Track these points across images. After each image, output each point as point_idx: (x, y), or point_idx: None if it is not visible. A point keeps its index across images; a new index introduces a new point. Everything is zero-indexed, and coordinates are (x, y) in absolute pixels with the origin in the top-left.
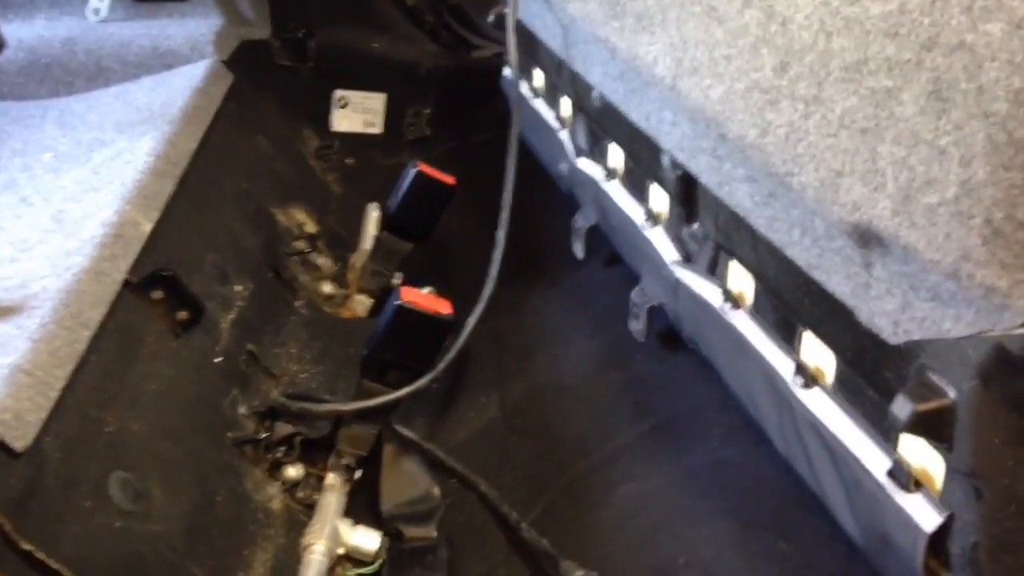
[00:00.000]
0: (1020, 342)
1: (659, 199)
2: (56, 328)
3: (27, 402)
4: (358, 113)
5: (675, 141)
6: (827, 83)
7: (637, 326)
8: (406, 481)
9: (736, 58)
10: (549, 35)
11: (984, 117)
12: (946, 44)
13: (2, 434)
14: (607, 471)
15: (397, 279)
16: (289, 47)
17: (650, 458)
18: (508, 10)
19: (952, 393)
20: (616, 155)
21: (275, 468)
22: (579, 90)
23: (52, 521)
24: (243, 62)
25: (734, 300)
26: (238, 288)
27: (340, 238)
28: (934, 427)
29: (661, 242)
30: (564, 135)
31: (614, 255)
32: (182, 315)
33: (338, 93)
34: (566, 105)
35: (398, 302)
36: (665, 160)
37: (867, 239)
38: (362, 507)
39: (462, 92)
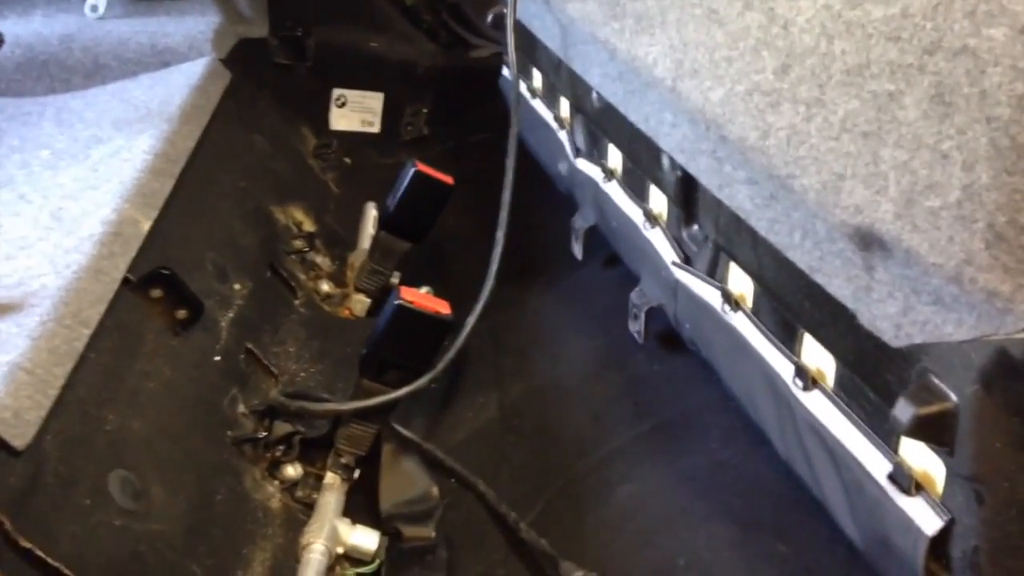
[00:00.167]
0: (1022, 347)
1: (658, 200)
2: (55, 326)
3: (27, 400)
4: (356, 112)
5: (675, 143)
6: (829, 86)
7: (636, 327)
8: (405, 481)
9: (737, 60)
10: (548, 35)
11: (987, 122)
12: (949, 48)
13: (2, 432)
14: (606, 472)
15: (395, 278)
16: (287, 45)
17: (649, 459)
18: (507, 10)
19: (954, 397)
20: (615, 156)
21: (274, 467)
22: (578, 91)
23: (52, 519)
24: (241, 60)
25: (734, 302)
26: (237, 287)
27: (338, 237)
28: (935, 431)
29: (661, 243)
30: (563, 135)
31: (613, 256)
32: (181, 313)
33: (336, 92)
34: (565, 105)
35: (398, 301)
36: (665, 161)
37: (869, 242)
38: (361, 507)
39: (460, 92)
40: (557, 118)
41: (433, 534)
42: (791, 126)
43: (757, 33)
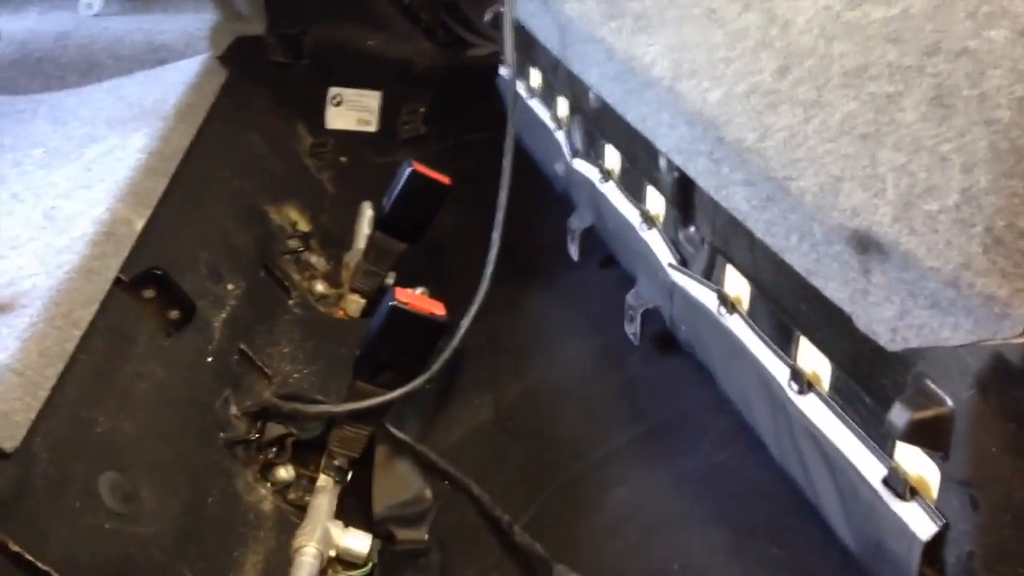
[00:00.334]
0: (1019, 352)
1: (656, 201)
2: (46, 327)
3: (16, 402)
4: (353, 111)
5: (672, 143)
6: (827, 87)
7: (632, 329)
8: (398, 483)
9: (736, 61)
10: (546, 34)
11: (986, 124)
12: (949, 50)
13: None
14: (601, 474)
15: (390, 279)
16: (284, 43)
17: (644, 462)
18: (505, 9)
19: (949, 402)
20: (613, 156)
21: (267, 469)
22: (576, 90)
23: (42, 522)
24: (237, 58)
25: (730, 304)
26: (230, 287)
27: (334, 237)
28: (931, 436)
29: (657, 245)
30: (560, 135)
31: (610, 257)
32: (174, 314)
33: (333, 90)
34: (563, 105)
35: (392, 303)
36: (662, 162)
37: (866, 245)
38: (354, 509)
39: (458, 91)
40: (555, 118)
41: (426, 537)
42: (789, 127)
43: (756, 34)
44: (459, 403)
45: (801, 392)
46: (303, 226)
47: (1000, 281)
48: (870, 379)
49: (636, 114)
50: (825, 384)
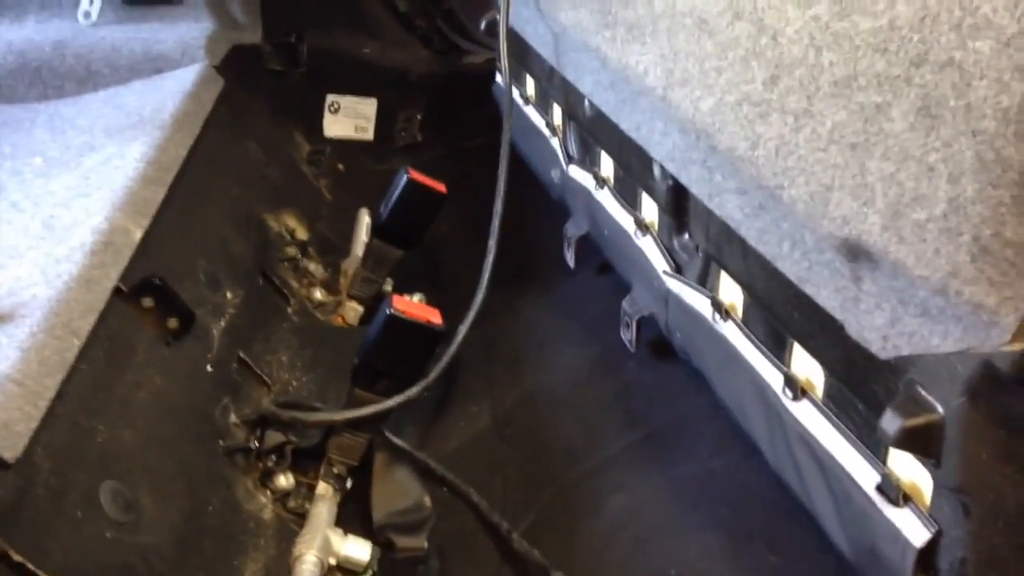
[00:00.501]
0: (1008, 359)
1: (650, 209)
2: (46, 337)
3: (17, 412)
4: (350, 118)
5: (666, 151)
6: (817, 97)
7: (628, 335)
8: (397, 491)
9: (726, 70)
10: (541, 43)
11: (972, 134)
12: (935, 61)
13: None
14: (598, 481)
15: (388, 285)
16: (281, 52)
17: (641, 468)
18: (500, 17)
19: (940, 409)
20: (607, 164)
21: (266, 477)
22: (570, 98)
23: (43, 532)
24: (234, 67)
25: (724, 311)
26: (229, 295)
27: (331, 244)
28: (923, 442)
29: (652, 252)
30: (555, 143)
31: (605, 264)
32: (173, 323)
33: (330, 98)
34: (558, 113)
35: (389, 311)
36: (656, 170)
37: (856, 253)
38: (353, 516)
39: (453, 98)
40: (550, 125)
41: (425, 544)
42: (780, 136)
43: (746, 43)
44: (457, 410)
45: (795, 399)
46: (301, 233)
47: (988, 289)
48: (862, 386)
49: (630, 122)
50: (819, 391)
